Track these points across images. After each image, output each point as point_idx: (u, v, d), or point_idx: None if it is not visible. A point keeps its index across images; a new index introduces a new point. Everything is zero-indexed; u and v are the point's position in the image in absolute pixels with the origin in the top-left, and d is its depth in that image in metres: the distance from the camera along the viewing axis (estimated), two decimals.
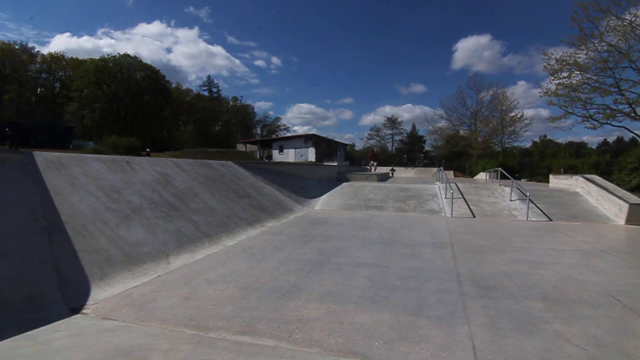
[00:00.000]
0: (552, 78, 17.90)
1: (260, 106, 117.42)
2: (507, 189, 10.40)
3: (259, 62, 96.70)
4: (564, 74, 17.45)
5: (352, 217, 8.29)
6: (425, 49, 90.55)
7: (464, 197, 9.98)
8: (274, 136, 54.09)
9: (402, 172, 28.65)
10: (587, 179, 9.86)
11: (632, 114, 16.09)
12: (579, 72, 17.06)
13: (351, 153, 48.55)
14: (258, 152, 37.79)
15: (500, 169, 13.27)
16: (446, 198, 9.72)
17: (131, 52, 48.19)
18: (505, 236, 6.19)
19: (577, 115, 17.84)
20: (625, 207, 7.76)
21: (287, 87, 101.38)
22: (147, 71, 47.49)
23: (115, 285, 3.22)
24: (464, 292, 3.30)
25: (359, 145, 64.48)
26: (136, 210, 4.64)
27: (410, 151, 58.05)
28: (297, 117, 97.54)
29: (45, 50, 51.73)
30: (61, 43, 72.17)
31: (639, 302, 3.10)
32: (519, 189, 10.02)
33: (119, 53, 46.61)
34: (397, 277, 3.71)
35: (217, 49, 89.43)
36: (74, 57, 50.46)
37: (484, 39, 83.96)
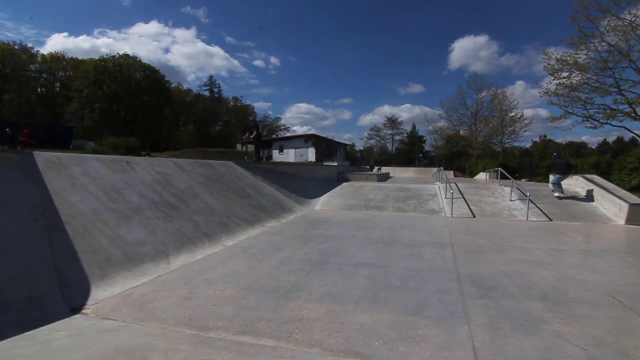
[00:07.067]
0: (552, 78, 17.90)
1: (259, 106, 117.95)
2: (507, 189, 10.40)
3: (258, 62, 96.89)
4: (564, 74, 17.45)
5: (352, 217, 8.29)
6: (424, 49, 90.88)
7: (464, 197, 9.98)
8: (274, 136, 54.04)
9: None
10: (587, 179, 9.86)
11: (632, 114, 16.09)
12: (579, 72, 17.05)
13: (351, 153, 48.57)
14: None
15: (500, 169, 13.27)
16: (446, 198, 9.72)
17: (129, 52, 48.17)
18: (505, 236, 6.19)
19: (577, 115, 17.83)
20: (625, 207, 7.76)
21: (286, 87, 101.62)
22: (146, 71, 47.50)
23: (115, 285, 3.22)
24: (464, 292, 3.30)
25: (358, 145, 64.51)
26: (136, 210, 4.64)
27: (410, 151, 58.08)
28: (296, 117, 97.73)
29: (42, 50, 51.69)
30: (58, 43, 72.52)
31: (639, 302, 3.10)
32: (519, 189, 10.02)
33: (118, 53, 46.64)
34: (397, 277, 3.71)
35: (216, 49, 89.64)
36: (74, 57, 50.52)
37: (482, 39, 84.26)
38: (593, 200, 9.23)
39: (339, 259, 4.42)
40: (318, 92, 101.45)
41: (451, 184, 10.22)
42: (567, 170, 9.86)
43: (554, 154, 11.06)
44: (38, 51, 49.59)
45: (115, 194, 4.69)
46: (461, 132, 37.63)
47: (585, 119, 17.51)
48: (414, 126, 61.06)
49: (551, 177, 10.43)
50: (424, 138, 54.10)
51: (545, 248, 5.33)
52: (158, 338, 2.31)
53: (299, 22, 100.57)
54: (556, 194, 9.77)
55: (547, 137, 50.98)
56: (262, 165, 11.33)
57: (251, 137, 11.52)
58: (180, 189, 6.02)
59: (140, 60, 47.52)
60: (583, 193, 9.83)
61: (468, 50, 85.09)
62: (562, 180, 9.88)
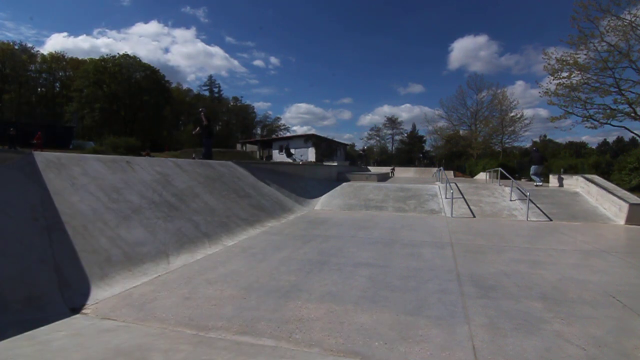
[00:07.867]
0: (552, 78, 17.91)
1: (259, 106, 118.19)
2: (507, 189, 10.40)
3: (258, 62, 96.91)
4: (564, 74, 17.45)
5: (352, 217, 8.29)
6: (424, 48, 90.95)
7: (464, 197, 9.98)
8: (274, 136, 54.04)
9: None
10: (587, 179, 9.86)
11: (632, 114, 16.10)
12: (579, 72, 17.06)
13: (351, 153, 48.59)
14: (258, 152, 37.79)
15: (500, 169, 13.27)
16: (446, 198, 9.72)
17: (129, 52, 48.20)
18: (505, 236, 6.19)
19: (577, 115, 17.85)
20: (625, 207, 7.76)
21: (286, 87, 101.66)
22: (146, 71, 47.52)
23: (115, 285, 3.22)
24: (464, 292, 3.30)
25: (358, 146, 64.51)
26: (136, 210, 4.64)
27: (410, 151, 58.10)
28: (296, 117, 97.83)
29: (42, 50, 51.71)
30: (58, 43, 72.78)
31: (639, 302, 3.10)
32: (519, 189, 10.02)
33: (118, 53, 46.67)
34: (397, 277, 3.71)
35: (215, 49, 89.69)
36: (74, 57, 50.55)
37: (481, 39, 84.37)
38: (563, 186, 11.28)
39: (339, 259, 4.42)
40: (318, 92, 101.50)
41: (451, 184, 10.21)
42: (541, 162, 12.47)
43: (534, 148, 13.70)
44: (38, 51, 49.65)
45: (115, 194, 4.69)
46: (461, 132, 37.63)
47: (585, 119, 17.53)
48: (414, 126, 61.10)
49: (532, 169, 12.73)
50: (424, 138, 54.14)
51: (545, 248, 5.33)
52: (158, 338, 2.31)
53: (299, 22, 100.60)
54: (535, 184, 12.13)
55: (547, 137, 51.04)
56: (262, 165, 11.33)
57: (200, 131, 10.20)
58: (180, 189, 6.02)
59: (140, 60, 47.55)
60: (583, 193, 9.84)
61: (468, 50, 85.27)
62: (538, 170, 12.35)
